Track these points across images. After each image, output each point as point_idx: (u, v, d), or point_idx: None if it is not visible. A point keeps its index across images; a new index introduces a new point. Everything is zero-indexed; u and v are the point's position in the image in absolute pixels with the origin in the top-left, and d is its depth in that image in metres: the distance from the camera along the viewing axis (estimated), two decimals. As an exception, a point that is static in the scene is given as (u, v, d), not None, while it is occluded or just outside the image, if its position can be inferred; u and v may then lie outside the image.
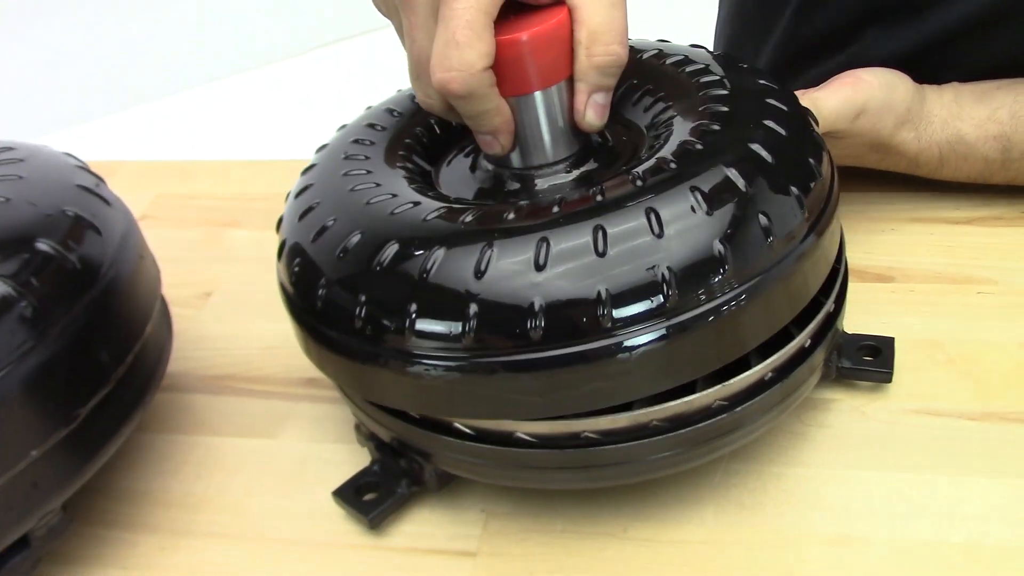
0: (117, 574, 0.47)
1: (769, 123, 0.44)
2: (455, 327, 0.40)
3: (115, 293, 0.46)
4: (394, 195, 0.45)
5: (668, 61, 0.51)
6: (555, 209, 0.41)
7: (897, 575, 0.42)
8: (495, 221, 0.41)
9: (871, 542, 0.44)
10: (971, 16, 0.60)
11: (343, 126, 0.53)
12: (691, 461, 0.44)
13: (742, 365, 0.42)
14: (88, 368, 0.43)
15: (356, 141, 0.50)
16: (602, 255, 0.39)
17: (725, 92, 0.46)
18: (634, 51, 0.52)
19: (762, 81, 0.48)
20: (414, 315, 0.40)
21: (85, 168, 0.51)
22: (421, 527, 0.47)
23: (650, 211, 0.40)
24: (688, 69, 0.49)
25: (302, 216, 0.46)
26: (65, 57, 2.33)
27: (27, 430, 0.41)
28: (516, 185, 0.47)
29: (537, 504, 0.47)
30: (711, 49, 0.53)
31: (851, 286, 0.50)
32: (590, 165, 0.47)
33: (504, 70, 0.42)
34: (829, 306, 0.46)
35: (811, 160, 0.44)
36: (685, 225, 0.40)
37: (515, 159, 0.47)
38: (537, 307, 0.39)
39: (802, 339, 0.44)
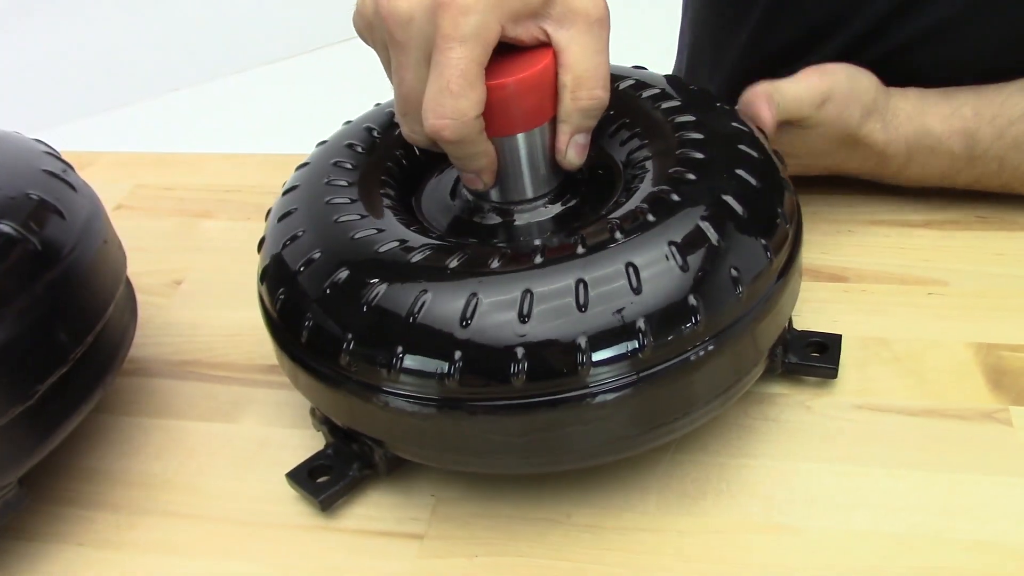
0: (74, 550, 0.48)
1: (741, 172, 0.46)
2: (440, 368, 0.41)
3: (76, 276, 0.47)
4: (380, 230, 0.46)
5: (645, 94, 0.52)
6: (538, 258, 0.42)
7: (831, 563, 0.43)
8: (480, 267, 0.43)
9: (807, 531, 0.45)
10: (932, 27, 0.61)
11: (322, 142, 0.54)
12: (637, 447, 0.45)
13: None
14: (46, 347, 0.44)
15: (337, 164, 0.51)
16: (583, 308, 0.41)
17: (700, 137, 0.48)
18: (612, 79, 0.53)
19: (735, 124, 0.49)
20: (400, 355, 0.41)
21: (54, 154, 0.53)
22: (371, 510, 0.48)
23: (629, 265, 0.41)
24: (665, 106, 0.51)
25: (286, 244, 0.47)
26: (55, 54, 2.34)
27: (-16, 405, 0.42)
28: (495, 218, 0.49)
29: (486, 489, 0.48)
30: (681, 77, 0.54)
31: (805, 285, 0.52)
32: (568, 201, 0.49)
33: (489, 112, 0.44)
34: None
35: (779, 208, 0.46)
36: (661, 279, 0.41)
37: (494, 194, 0.48)
38: (520, 355, 0.40)
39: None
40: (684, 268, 0.42)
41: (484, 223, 0.48)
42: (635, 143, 0.50)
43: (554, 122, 0.46)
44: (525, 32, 0.44)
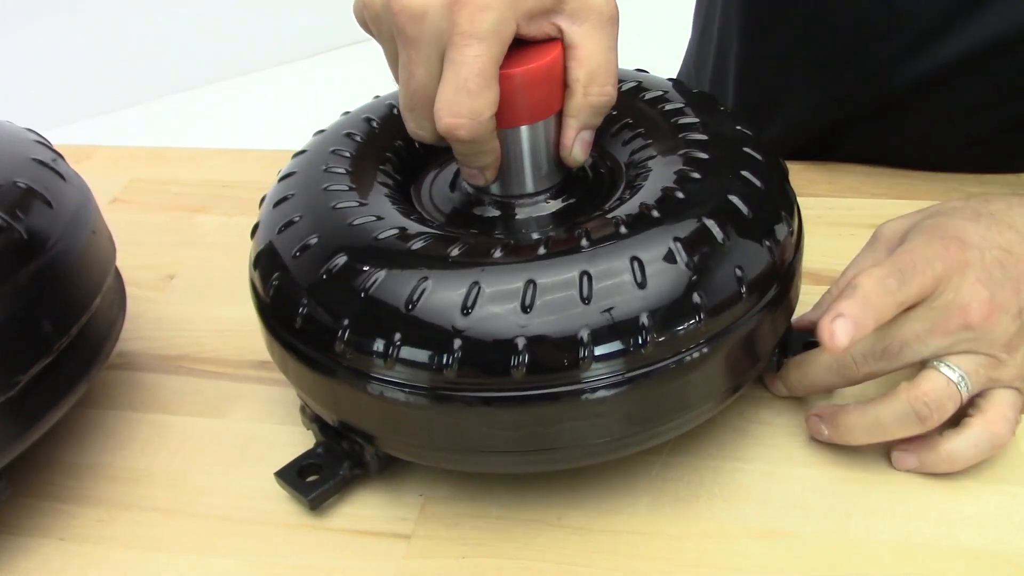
0: (55, 545, 0.47)
1: (745, 173, 0.45)
2: (438, 359, 0.40)
3: (62, 265, 0.46)
4: (378, 217, 0.45)
5: (647, 96, 0.51)
6: (541, 249, 0.42)
7: (826, 570, 0.42)
8: (482, 256, 0.42)
9: (801, 537, 0.44)
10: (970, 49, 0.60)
11: (320, 131, 0.53)
12: (632, 447, 0.44)
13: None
14: (30, 337, 0.44)
15: (335, 152, 0.50)
16: (587, 301, 0.40)
17: (704, 137, 0.47)
18: (621, 81, 0.52)
19: (738, 127, 0.49)
20: (398, 343, 0.41)
21: (44, 143, 0.52)
22: (360, 509, 0.47)
23: (634, 259, 0.41)
24: (667, 108, 0.50)
25: (281, 229, 0.46)
26: (57, 54, 2.34)
27: (-36, 394, 0.41)
28: (495, 212, 0.48)
29: (475, 490, 0.47)
30: (687, 83, 0.54)
31: (806, 288, 0.51)
32: (569, 198, 0.48)
33: None
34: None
35: (781, 210, 0.45)
36: (666, 275, 0.41)
37: (495, 187, 0.48)
38: (521, 347, 0.40)
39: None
40: (689, 265, 0.41)
41: (483, 216, 0.48)
42: (638, 143, 0.49)
43: (559, 117, 0.46)
44: (538, 28, 0.43)
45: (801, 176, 0.49)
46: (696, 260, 0.41)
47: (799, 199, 0.48)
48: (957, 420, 0.45)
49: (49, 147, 0.52)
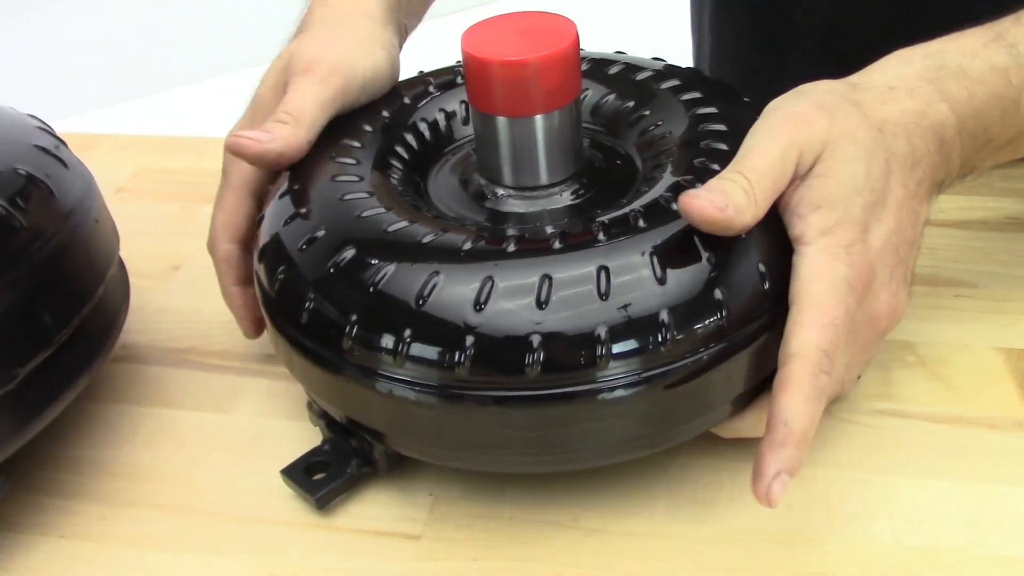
0: (54, 542, 0.46)
1: None
2: (449, 356, 0.39)
3: (64, 255, 0.45)
4: (388, 209, 0.44)
5: (664, 85, 0.50)
6: (557, 243, 0.40)
7: (850, 577, 0.41)
8: (496, 250, 0.41)
9: (825, 542, 0.42)
10: None
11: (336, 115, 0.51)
12: (650, 447, 0.43)
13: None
14: (29, 329, 0.42)
15: (344, 141, 0.49)
16: (604, 297, 0.38)
17: (723, 128, 0.46)
18: (631, 70, 0.51)
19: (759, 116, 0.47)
20: (408, 340, 0.39)
21: (47, 130, 0.51)
22: (368, 508, 0.46)
23: (653, 255, 0.39)
24: (685, 97, 0.49)
25: (288, 221, 0.45)
26: (66, 46, 2.33)
27: (-39, 387, 0.40)
28: (507, 204, 0.46)
29: (486, 490, 0.46)
30: (707, 72, 0.52)
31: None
32: (584, 191, 0.47)
33: (507, 91, 0.42)
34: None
35: None
36: (686, 271, 0.39)
37: (508, 178, 0.46)
38: (536, 345, 0.38)
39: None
40: (710, 260, 0.40)
41: (495, 208, 0.46)
42: (655, 134, 0.48)
43: (575, 105, 0.44)
44: None
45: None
46: (717, 255, 0.40)
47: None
48: None
49: (51, 133, 0.51)
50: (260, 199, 0.49)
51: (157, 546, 0.45)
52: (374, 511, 0.46)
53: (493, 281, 0.39)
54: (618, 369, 0.39)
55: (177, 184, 0.72)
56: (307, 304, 0.42)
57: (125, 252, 0.53)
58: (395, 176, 0.47)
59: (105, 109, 2.25)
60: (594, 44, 0.54)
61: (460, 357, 0.39)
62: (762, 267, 0.41)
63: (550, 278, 0.39)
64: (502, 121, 0.44)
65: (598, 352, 0.38)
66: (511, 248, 0.41)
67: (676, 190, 0.42)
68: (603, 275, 0.39)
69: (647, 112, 0.49)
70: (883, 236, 0.42)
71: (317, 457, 0.46)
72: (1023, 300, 0.53)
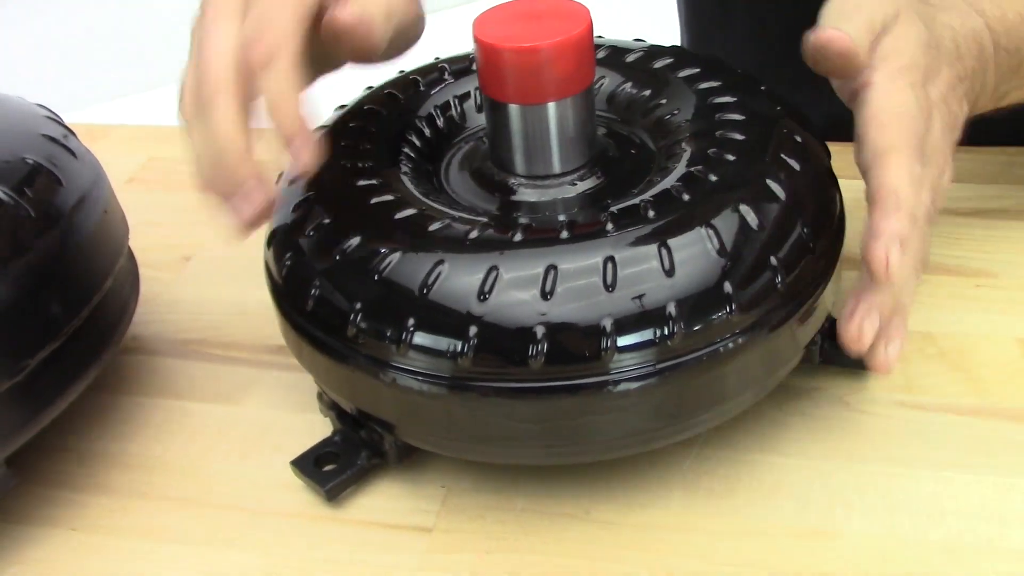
0: (65, 535, 0.45)
1: (783, 156, 0.43)
2: (453, 346, 0.38)
3: (72, 245, 0.44)
4: (397, 197, 0.43)
5: (682, 74, 0.49)
6: (564, 234, 0.40)
7: (871, 571, 0.40)
8: (502, 239, 0.40)
9: (845, 536, 0.42)
10: None
11: (341, 106, 0.51)
12: (662, 440, 0.42)
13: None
14: (37, 320, 0.42)
15: (355, 127, 0.48)
16: (611, 288, 0.38)
17: (741, 118, 0.45)
18: (647, 57, 0.50)
19: (779, 107, 0.46)
20: (412, 329, 0.39)
21: (55, 119, 0.50)
22: (379, 500, 0.45)
23: (662, 246, 0.39)
24: (702, 86, 0.48)
25: (296, 206, 0.44)
26: (76, 38, 2.33)
27: (-31, 378, 0.40)
28: (520, 193, 0.46)
29: (499, 481, 0.45)
30: (727, 62, 0.51)
31: (846, 275, 0.48)
32: (597, 180, 0.46)
33: (520, 78, 0.41)
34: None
35: (823, 195, 0.43)
36: (696, 263, 0.39)
37: (520, 166, 0.45)
38: (540, 336, 0.38)
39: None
40: (721, 252, 0.39)
41: (508, 197, 0.45)
42: (671, 123, 0.47)
43: (588, 92, 0.44)
44: None
45: (840, 158, 0.47)
46: (729, 247, 0.39)
47: (838, 181, 0.46)
48: None
49: (60, 123, 0.50)
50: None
51: (167, 538, 0.45)
52: (386, 503, 0.45)
53: (498, 271, 0.38)
54: (624, 362, 0.38)
55: (188, 174, 0.71)
56: (314, 292, 0.41)
57: (135, 243, 0.53)
58: (407, 164, 0.46)
59: (116, 101, 2.25)
60: (613, 31, 0.53)
61: (465, 347, 0.38)
62: (774, 258, 0.40)
63: (556, 268, 0.38)
64: (514, 109, 0.44)
65: (603, 344, 0.38)
66: (517, 237, 0.40)
67: (689, 181, 0.42)
68: (610, 266, 0.38)
69: (663, 100, 0.48)
70: (938, 94, 0.43)
71: (327, 448, 0.46)
72: (1046, 290, 0.52)
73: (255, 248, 0.51)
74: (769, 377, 0.43)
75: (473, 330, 0.38)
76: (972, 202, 0.58)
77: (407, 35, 0.47)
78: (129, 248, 0.51)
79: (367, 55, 0.42)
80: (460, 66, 0.52)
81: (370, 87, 0.52)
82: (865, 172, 0.41)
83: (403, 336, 0.39)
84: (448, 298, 0.39)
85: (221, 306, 0.58)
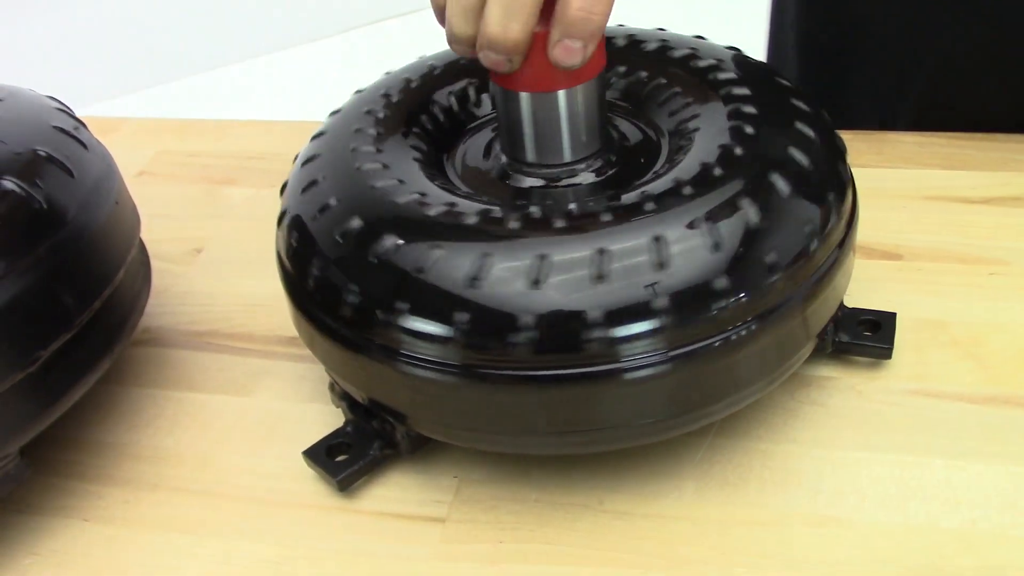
0: (78, 526, 0.46)
1: (794, 152, 0.43)
2: (442, 331, 0.39)
3: (84, 237, 0.44)
4: (401, 181, 0.43)
5: (700, 64, 0.49)
6: (560, 223, 0.40)
7: (884, 559, 0.40)
8: (499, 227, 0.40)
9: (858, 524, 0.41)
10: None
11: (359, 91, 0.51)
12: (673, 430, 0.42)
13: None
14: (50, 311, 0.42)
15: (369, 112, 0.48)
16: (623, 276, 0.38)
17: (754, 111, 0.45)
18: (663, 47, 0.50)
19: (796, 102, 0.46)
20: (404, 312, 0.39)
21: (66, 111, 0.50)
22: (392, 491, 0.45)
23: (657, 238, 0.39)
24: (720, 77, 0.47)
25: (305, 189, 0.44)
26: (87, 32, 2.33)
27: (-18, 369, 0.40)
28: (528, 181, 0.46)
29: (511, 472, 0.45)
30: (749, 55, 0.50)
31: (856, 263, 0.48)
32: (607, 168, 0.46)
33: (528, 65, 0.41)
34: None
35: (831, 196, 0.43)
36: (691, 256, 0.39)
37: (531, 155, 0.45)
38: (528, 324, 0.38)
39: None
40: (717, 246, 0.39)
41: (517, 185, 0.45)
42: (684, 114, 0.47)
43: (599, 79, 0.43)
44: None
45: (852, 148, 0.47)
46: (740, 236, 0.39)
47: (851, 170, 0.46)
48: None
49: (71, 115, 0.50)
50: None
51: (180, 529, 0.45)
52: (398, 494, 0.45)
53: (509, 259, 0.39)
54: (636, 350, 0.38)
55: (198, 167, 0.72)
56: (325, 280, 0.41)
57: (147, 235, 0.53)
58: (416, 149, 0.46)
59: (126, 96, 2.25)
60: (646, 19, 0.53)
61: (477, 335, 0.38)
62: (785, 248, 0.40)
63: (565, 257, 0.38)
64: (524, 96, 0.43)
65: (617, 332, 0.38)
66: (513, 226, 0.40)
67: (700, 171, 0.42)
68: (622, 254, 0.38)
69: (676, 90, 0.48)
70: None
71: (339, 439, 0.46)
72: (1059, 278, 0.52)
73: (265, 240, 0.51)
74: (781, 366, 0.43)
75: (484, 318, 0.38)
76: (982, 190, 0.58)
77: None
78: (141, 240, 0.52)
79: None
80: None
81: (388, 72, 0.52)
82: None
83: (413, 324, 0.39)
84: (457, 286, 0.39)
85: (232, 298, 0.58)
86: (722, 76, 0.47)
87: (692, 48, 0.50)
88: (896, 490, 0.43)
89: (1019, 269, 0.53)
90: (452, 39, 0.42)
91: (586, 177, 0.45)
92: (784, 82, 0.48)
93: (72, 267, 0.43)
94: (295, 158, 0.48)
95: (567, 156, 0.45)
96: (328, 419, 0.48)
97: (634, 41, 0.51)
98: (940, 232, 0.56)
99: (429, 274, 0.39)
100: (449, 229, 0.40)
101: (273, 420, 0.50)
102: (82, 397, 0.45)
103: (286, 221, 0.45)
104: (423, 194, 0.42)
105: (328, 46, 2.46)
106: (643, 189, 0.41)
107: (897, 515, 0.42)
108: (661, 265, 0.38)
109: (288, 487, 0.46)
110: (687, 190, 0.41)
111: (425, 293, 0.39)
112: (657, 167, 0.45)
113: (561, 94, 0.43)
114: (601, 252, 0.38)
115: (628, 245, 0.38)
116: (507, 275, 0.38)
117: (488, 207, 0.41)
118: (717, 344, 0.39)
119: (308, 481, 0.46)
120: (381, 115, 0.48)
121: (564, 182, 0.45)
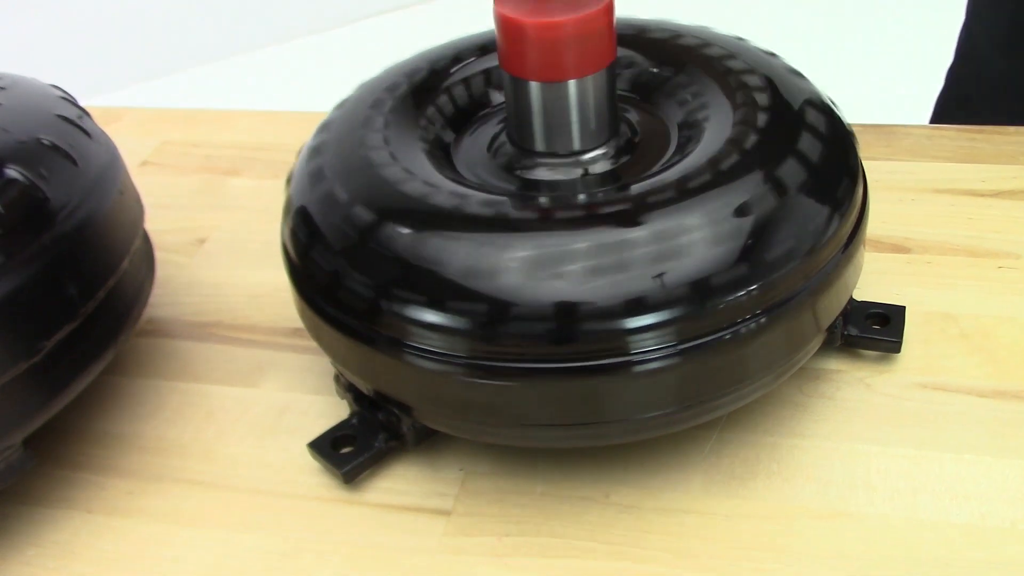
0: (82, 517, 0.45)
1: (804, 145, 0.42)
2: (471, 326, 0.38)
3: (88, 226, 0.44)
4: (409, 171, 0.43)
5: (710, 53, 0.48)
6: (583, 212, 0.39)
7: (893, 554, 0.40)
8: (522, 217, 0.40)
9: (867, 518, 0.41)
10: None
11: (365, 82, 0.51)
12: (681, 423, 0.42)
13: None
14: (54, 301, 0.42)
15: (376, 103, 0.48)
16: (633, 267, 0.37)
17: (766, 103, 0.44)
18: (675, 37, 0.49)
19: (807, 93, 0.46)
20: (411, 303, 0.39)
21: (70, 100, 0.50)
22: (397, 483, 0.45)
23: (666, 229, 0.38)
24: (730, 66, 0.47)
25: (312, 179, 0.44)
26: (92, 22, 2.33)
27: (-14, 359, 0.39)
28: (537, 171, 0.45)
29: (517, 464, 0.45)
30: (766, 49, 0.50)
31: (868, 256, 0.48)
32: (616, 158, 0.45)
33: (539, 54, 0.41)
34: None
35: (842, 188, 0.42)
36: (700, 248, 0.38)
37: (539, 144, 0.45)
38: (559, 315, 0.37)
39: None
40: (726, 238, 0.38)
41: (526, 176, 0.45)
42: (694, 103, 0.46)
43: (610, 69, 0.43)
44: None
45: (863, 139, 0.46)
46: (750, 227, 0.39)
47: (862, 162, 0.45)
48: None
49: (75, 104, 0.50)
50: None
51: (185, 520, 0.45)
52: (404, 486, 0.45)
53: (517, 249, 0.38)
54: (644, 343, 0.38)
55: (201, 157, 0.71)
56: (331, 270, 0.41)
57: (150, 225, 0.53)
58: (424, 140, 0.46)
59: (129, 87, 2.25)
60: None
61: (483, 327, 0.38)
62: (797, 239, 0.39)
63: (575, 247, 0.38)
64: (534, 86, 0.43)
65: (627, 324, 0.37)
66: (536, 216, 0.40)
67: (709, 161, 0.41)
68: (630, 244, 0.38)
69: (686, 80, 0.48)
70: None
71: (344, 431, 0.46)
72: (1069, 271, 0.52)
73: (269, 231, 0.51)
74: (790, 359, 0.42)
75: (491, 309, 0.38)
76: (992, 183, 0.58)
77: None
78: (145, 230, 0.51)
79: None
80: (483, 43, 0.51)
81: (394, 64, 0.51)
82: None
83: (420, 315, 0.39)
84: (465, 277, 0.38)
85: (236, 288, 0.58)
86: (732, 66, 0.47)
87: (702, 38, 0.49)
88: (905, 484, 0.42)
89: (1029, 262, 0.52)
90: None
91: (595, 167, 0.45)
92: (795, 72, 0.47)
93: (76, 257, 0.43)
94: (300, 149, 0.47)
95: (576, 146, 0.45)
96: (333, 411, 0.48)
97: (643, 31, 0.50)
98: (949, 225, 0.55)
99: (436, 265, 0.39)
100: (457, 220, 0.40)
101: (278, 412, 0.49)
102: (86, 388, 0.44)
103: (292, 212, 0.44)
104: (431, 184, 0.42)
105: (332, 37, 2.46)
106: (653, 180, 0.41)
107: (906, 509, 0.41)
108: (670, 256, 0.38)
109: (293, 479, 0.46)
110: (697, 181, 0.40)
111: (432, 284, 0.39)
112: (667, 158, 0.45)
113: (571, 83, 0.43)
114: (610, 243, 0.38)
115: (637, 236, 0.38)
116: (515, 266, 0.38)
117: (497, 197, 0.41)
118: (726, 337, 0.39)
119: (313, 473, 0.46)
120: (388, 106, 0.47)
121: (573, 172, 0.45)
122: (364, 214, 0.41)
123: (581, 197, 0.41)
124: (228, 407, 0.50)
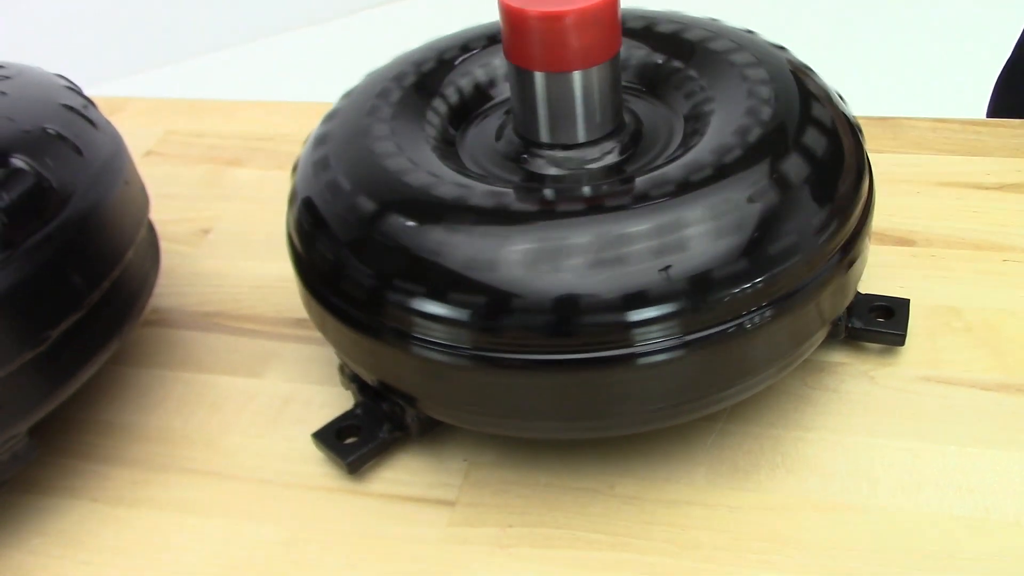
0: (87, 506, 0.45)
1: (812, 132, 0.42)
2: (475, 318, 0.38)
3: (93, 216, 0.44)
4: (414, 162, 0.43)
5: (716, 46, 0.48)
6: (588, 204, 0.39)
7: (896, 546, 0.40)
8: (526, 209, 0.40)
9: (870, 511, 0.41)
10: None
11: (371, 72, 0.51)
12: (685, 415, 0.42)
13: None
14: (59, 291, 0.42)
15: (381, 94, 0.48)
16: (638, 260, 0.37)
17: (770, 95, 0.44)
18: (681, 29, 0.49)
19: (813, 86, 0.45)
20: (415, 294, 0.39)
21: (75, 89, 0.50)
22: (401, 474, 0.45)
23: (671, 222, 0.38)
24: (736, 59, 0.47)
25: (317, 169, 0.44)
26: (95, 10, 2.33)
27: (-8, 348, 0.39)
28: (540, 162, 0.45)
29: (521, 455, 0.45)
30: (774, 42, 0.50)
31: (874, 249, 0.48)
32: (622, 150, 0.45)
33: (544, 45, 0.41)
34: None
35: (848, 181, 0.42)
36: (706, 240, 0.38)
37: (544, 135, 0.45)
38: (563, 307, 0.37)
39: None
40: (732, 230, 0.38)
41: (529, 168, 0.45)
42: (700, 96, 0.46)
43: (615, 60, 0.43)
44: None
45: (869, 133, 0.46)
46: (756, 220, 0.39)
47: (868, 156, 0.45)
48: None
49: (80, 93, 0.50)
50: None
51: (189, 510, 0.45)
52: (408, 477, 0.45)
53: (521, 241, 0.38)
54: (648, 335, 0.38)
55: (205, 147, 0.71)
56: (335, 261, 0.41)
57: (154, 215, 0.53)
58: (429, 131, 0.46)
59: (133, 76, 2.25)
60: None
61: (487, 318, 0.38)
62: (802, 231, 0.39)
63: (579, 239, 0.38)
64: (539, 76, 0.43)
65: (632, 316, 0.37)
66: (540, 208, 0.40)
67: (714, 153, 0.41)
68: (637, 237, 0.38)
69: (692, 72, 0.48)
70: None
71: (348, 421, 0.46)
72: (1074, 265, 0.51)
73: (274, 222, 0.51)
74: (795, 352, 0.42)
75: (496, 301, 0.38)
76: (997, 176, 0.58)
77: None
78: (149, 220, 0.51)
79: None
80: (489, 34, 0.51)
81: (400, 54, 0.51)
82: None
83: (424, 306, 0.39)
84: (471, 268, 0.38)
85: (241, 279, 0.58)
86: (738, 58, 0.47)
87: (708, 30, 0.49)
88: (909, 477, 0.42)
89: (1033, 256, 0.52)
90: None
91: (600, 159, 0.45)
92: (802, 65, 0.47)
93: (81, 246, 0.43)
94: (306, 139, 0.47)
95: (581, 137, 0.45)
96: (337, 401, 0.48)
97: (649, 23, 0.50)
98: (954, 218, 0.55)
99: (441, 256, 0.39)
100: (462, 211, 0.40)
101: (282, 402, 0.49)
102: (91, 378, 0.44)
103: (297, 202, 0.44)
104: (436, 175, 0.42)
105: (337, 27, 2.45)
106: (658, 172, 0.41)
107: (909, 502, 0.41)
108: (675, 249, 0.38)
109: (297, 469, 0.46)
110: (702, 174, 0.40)
111: (437, 275, 0.39)
112: (672, 150, 0.45)
113: (576, 74, 0.43)
114: (614, 235, 0.38)
115: (642, 228, 0.38)
116: (519, 258, 0.38)
117: (501, 189, 0.41)
118: (731, 329, 0.39)
119: (317, 463, 0.46)
120: (394, 97, 0.47)
121: (578, 164, 0.45)
122: (367, 204, 0.41)
123: (586, 189, 0.41)
124: (232, 397, 0.50)
